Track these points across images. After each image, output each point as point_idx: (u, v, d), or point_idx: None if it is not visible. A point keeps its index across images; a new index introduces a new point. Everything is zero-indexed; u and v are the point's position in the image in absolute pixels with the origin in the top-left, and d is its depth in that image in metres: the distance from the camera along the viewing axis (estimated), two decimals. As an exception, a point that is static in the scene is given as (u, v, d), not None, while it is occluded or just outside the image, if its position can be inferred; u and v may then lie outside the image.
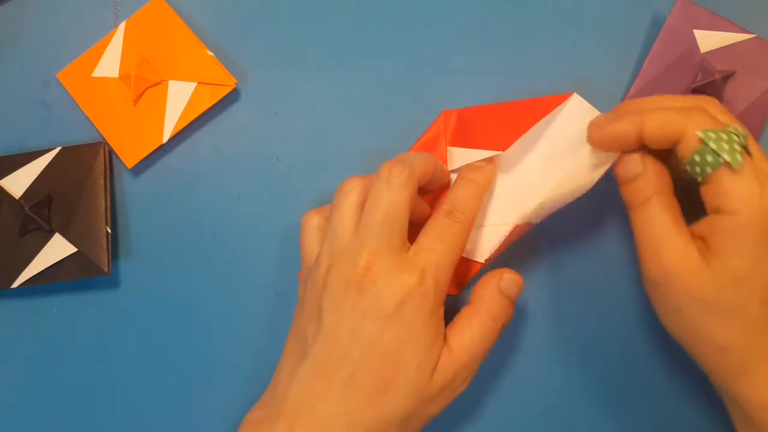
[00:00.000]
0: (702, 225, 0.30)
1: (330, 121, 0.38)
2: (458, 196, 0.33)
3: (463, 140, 0.37)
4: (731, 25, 0.37)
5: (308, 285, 0.32)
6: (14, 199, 0.37)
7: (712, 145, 0.28)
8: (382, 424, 0.29)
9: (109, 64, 0.38)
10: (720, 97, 0.36)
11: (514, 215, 0.34)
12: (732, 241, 0.28)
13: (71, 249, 0.36)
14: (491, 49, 0.38)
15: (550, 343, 0.36)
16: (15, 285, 0.36)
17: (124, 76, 0.38)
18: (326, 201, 0.34)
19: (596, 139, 0.31)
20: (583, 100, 0.34)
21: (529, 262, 0.37)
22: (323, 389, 0.29)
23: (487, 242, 0.35)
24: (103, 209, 0.37)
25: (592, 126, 0.32)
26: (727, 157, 0.28)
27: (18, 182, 0.37)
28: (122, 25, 0.38)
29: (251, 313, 0.37)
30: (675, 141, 0.29)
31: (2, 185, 0.37)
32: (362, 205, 0.31)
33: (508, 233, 0.34)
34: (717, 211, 0.29)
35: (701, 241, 0.30)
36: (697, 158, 0.28)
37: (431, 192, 0.36)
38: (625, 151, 0.31)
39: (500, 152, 0.35)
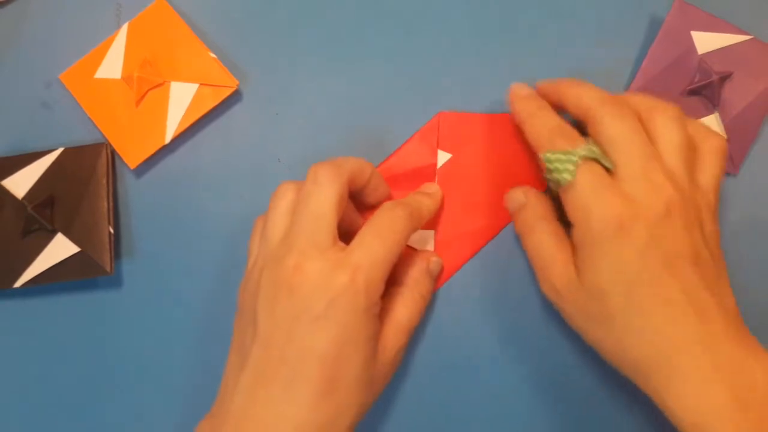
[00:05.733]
0: (571, 235, 0.32)
1: (330, 122, 0.38)
2: (407, 198, 0.34)
3: (453, 146, 0.37)
4: (728, 26, 0.37)
5: (245, 291, 0.32)
6: (17, 199, 0.37)
7: (550, 166, 0.31)
8: (335, 420, 0.29)
9: (111, 66, 0.38)
10: (717, 98, 0.37)
11: None
12: (582, 253, 0.30)
13: (74, 249, 0.36)
14: (490, 50, 0.39)
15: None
16: (17, 285, 0.36)
17: (126, 78, 0.38)
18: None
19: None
20: None
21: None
22: (264, 396, 0.29)
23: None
24: (105, 209, 0.37)
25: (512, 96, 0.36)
26: (556, 176, 0.31)
27: (21, 183, 0.37)
28: (125, 27, 0.39)
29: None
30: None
31: (5, 186, 0.37)
32: (294, 208, 0.31)
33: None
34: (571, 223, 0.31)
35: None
36: (547, 177, 0.32)
37: (371, 207, 0.36)
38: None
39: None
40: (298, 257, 0.29)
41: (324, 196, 0.30)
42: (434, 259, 0.35)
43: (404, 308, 0.33)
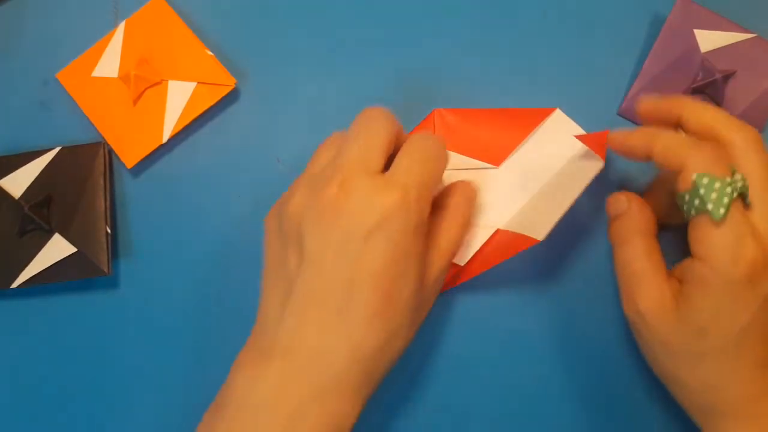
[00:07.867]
0: (682, 266, 0.30)
1: (330, 122, 0.38)
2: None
3: (450, 143, 0.37)
4: (732, 24, 0.37)
5: (280, 216, 0.31)
6: (14, 199, 0.37)
7: (701, 191, 0.28)
8: (390, 341, 0.29)
9: (108, 64, 0.38)
10: (720, 96, 0.36)
11: (493, 219, 0.35)
12: (698, 289, 0.29)
13: (71, 249, 0.36)
14: (492, 49, 0.38)
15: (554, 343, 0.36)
16: (15, 285, 0.36)
17: (123, 76, 0.38)
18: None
19: (613, 144, 0.32)
20: (564, 115, 0.36)
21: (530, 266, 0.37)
22: (318, 318, 0.28)
23: (467, 245, 0.35)
24: (102, 209, 0.37)
25: (613, 133, 0.32)
26: (710, 207, 0.28)
27: (17, 182, 0.37)
28: (122, 25, 0.38)
29: (251, 312, 0.37)
30: (676, 170, 0.29)
31: (2, 185, 0.37)
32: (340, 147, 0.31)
33: (488, 236, 0.35)
34: (693, 254, 0.29)
35: (679, 283, 0.30)
36: (687, 197, 0.29)
37: None
38: (638, 160, 0.31)
39: (484, 163, 0.36)
40: (346, 175, 0.28)
41: (377, 125, 0.30)
42: (471, 186, 0.34)
43: (446, 231, 0.32)
